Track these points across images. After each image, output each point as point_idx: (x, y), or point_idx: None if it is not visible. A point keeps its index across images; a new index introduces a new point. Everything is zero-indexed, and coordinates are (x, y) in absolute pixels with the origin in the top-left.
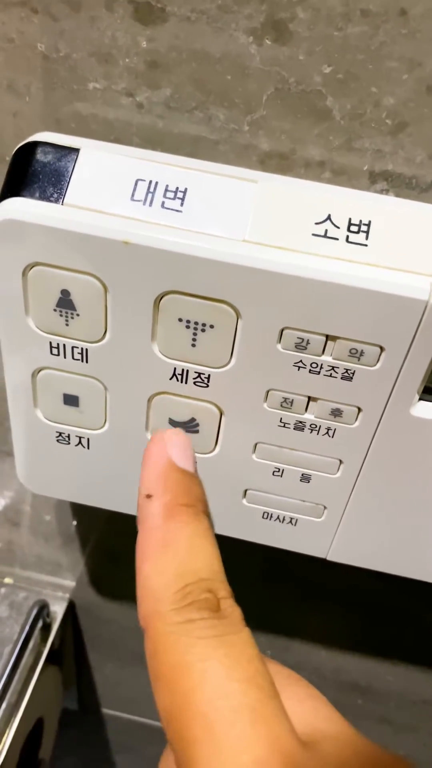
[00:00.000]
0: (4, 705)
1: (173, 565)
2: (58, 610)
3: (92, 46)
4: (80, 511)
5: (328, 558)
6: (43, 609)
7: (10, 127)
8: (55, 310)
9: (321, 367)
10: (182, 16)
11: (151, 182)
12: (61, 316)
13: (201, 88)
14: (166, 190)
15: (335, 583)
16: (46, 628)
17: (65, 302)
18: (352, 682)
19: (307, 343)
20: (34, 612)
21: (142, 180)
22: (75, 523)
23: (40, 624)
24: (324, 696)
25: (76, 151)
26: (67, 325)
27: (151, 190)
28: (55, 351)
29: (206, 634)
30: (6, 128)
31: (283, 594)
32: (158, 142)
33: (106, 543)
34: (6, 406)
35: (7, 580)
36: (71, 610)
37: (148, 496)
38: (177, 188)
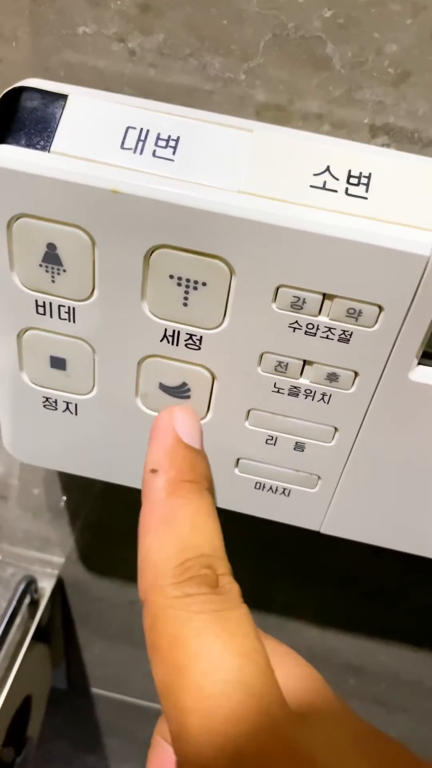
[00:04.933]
0: None
1: (175, 540)
2: (46, 586)
3: None
4: (70, 485)
5: (322, 531)
6: (30, 585)
7: None
8: (41, 265)
9: (317, 329)
10: None
11: (142, 130)
12: (47, 272)
13: (195, 34)
14: (158, 138)
15: (329, 560)
16: (34, 604)
17: (51, 257)
18: (345, 662)
19: (304, 302)
20: (21, 588)
21: (132, 128)
22: (64, 497)
23: (27, 600)
24: (320, 675)
25: (64, 97)
26: (53, 281)
27: (142, 138)
28: (41, 310)
29: (204, 609)
30: None
31: (276, 572)
32: (150, 92)
33: (97, 519)
34: None
35: None
36: (60, 586)
37: (153, 471)
38: (169, 136)
